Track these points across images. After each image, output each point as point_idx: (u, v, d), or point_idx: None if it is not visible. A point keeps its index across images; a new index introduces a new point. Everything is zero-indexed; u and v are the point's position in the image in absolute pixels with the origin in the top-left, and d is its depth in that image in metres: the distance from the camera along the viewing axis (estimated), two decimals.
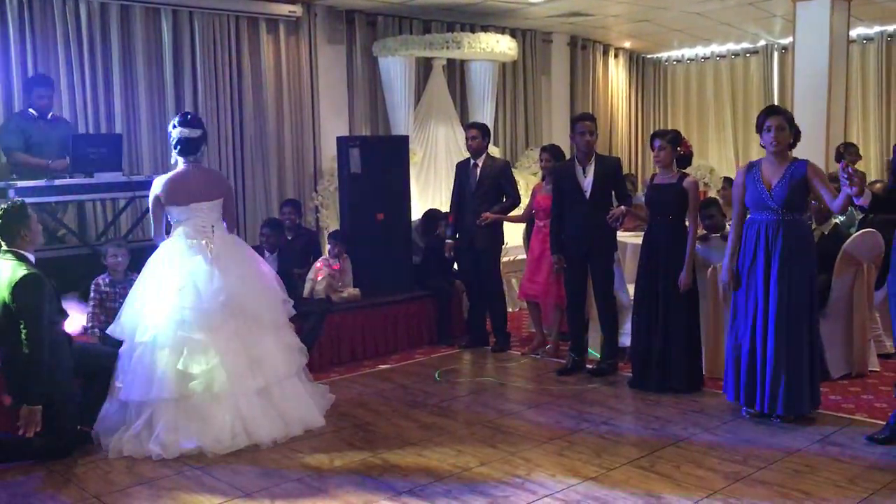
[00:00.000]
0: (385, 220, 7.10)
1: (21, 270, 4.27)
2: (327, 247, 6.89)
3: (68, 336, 4.62)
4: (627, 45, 11.93)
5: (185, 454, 4.43)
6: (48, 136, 6.16)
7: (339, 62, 8.86)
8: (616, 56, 12.00)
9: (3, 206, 4.47)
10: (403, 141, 7.64)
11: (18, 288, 4.23)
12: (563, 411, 5.19)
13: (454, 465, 4.30)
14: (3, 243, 4.39)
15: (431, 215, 7.66)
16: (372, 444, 4.64)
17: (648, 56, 12.58)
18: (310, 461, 4.39)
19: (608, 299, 5.95)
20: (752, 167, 4.81)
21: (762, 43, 11.43)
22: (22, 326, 4.24)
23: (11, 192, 5.49)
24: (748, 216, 4.85)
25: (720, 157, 11.98)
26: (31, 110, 6.16)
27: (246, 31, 8.07)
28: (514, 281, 7.31)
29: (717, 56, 12.12)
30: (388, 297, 6.95)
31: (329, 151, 8.31)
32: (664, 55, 12.59)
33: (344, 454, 4.51)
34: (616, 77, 12.01)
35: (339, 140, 7.29)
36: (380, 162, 7.10)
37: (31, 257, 4.43)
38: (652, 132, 6.20)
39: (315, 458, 4.43)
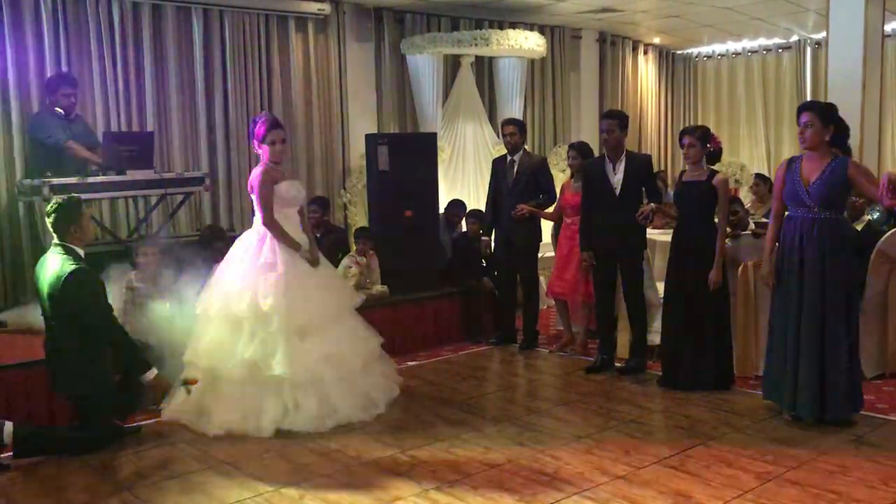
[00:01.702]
0: (413, 217, 7.11)
1: (69, 265, 4.35)
2: (354, 244, 6.92)
3: None
4: (657, 40, 11.83)
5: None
6: (75, 135, 6.23)
7: (367, 60, 8.88)
8: (645, 52, 11.91)
9: (59, 200, 4.57)
10: (431, 138, 7.65)
11: (69, 284, 4.31)
12: (591, 409, 5.17)
13: (482, 462, 4.30)
14: (55, 236, 4.47)
15: (454, 206, 7.64)
16: (400, 441, 4.66)
17: (678, 52, 12.46)
18: (339, 456, 4.41)
19: (637, 297, 5.91)
20: (793, 162, 4.74)
21: (795, 38, 11.28)
22: (84, 319, 4.38)
23: (46, 190, 5.58)
24: (787, 212, 4.78)
25: (751, 154, 11.84)
26: (57, 109, 6.21)
27: (275, 29, 8.12)
28: (542, 279, 7.29)
29: (749, 51, 11.97)
30: (416, 293, 6.96)
31: (357, 149, 8.34)
32: (694, 51, 12.47)
33: (373, 450, 4.53)
34: (645, 73, 11.92)
35: (368, 137, 7.32)
36: (408, 159, 7.11)
37: (81, 252, 4.51)
38: (681, 129, 6.15)
39: (344, 454, 4.45)
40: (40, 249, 5.72)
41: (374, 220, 7.23)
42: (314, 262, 5.13)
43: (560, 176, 9.11)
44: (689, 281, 5.38)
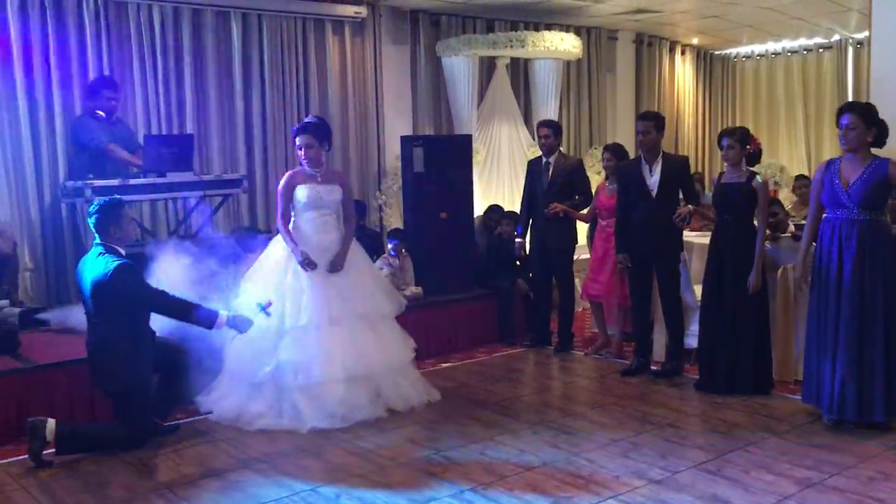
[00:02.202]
0: (448, 218, 7.12)
1: (113, 262, 4.44)
2: (387, 245, 6.95)
3: (151, 329, 4.75)
4: (695, 41, 11.71)
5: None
6: (116, 138, 6.34)
7: (403, 62, 8.91)
8: (683, 53, 11.80)
9: (100, 201, 4.67)
10: (467, 140, 7.65)
11: (117, 276, 4.39)
12: (627, 413, 5.13)
13: (517, 464, 4.29)
14: (97, 237, 4.58)
15: (493, 211, 7.65)
16: (435, 442, 4.67)
17: (717, 52, 12.32)
18: (373, 457, 4.43)
19: (673, 300, 5.86)
20: (831, 164, 4.68)
21: (836, 38, 11.10)
22: (136, 307, 4.49)
23: (88, 192, 5.69)
24: (824, 215, 4.71)
25: (791, 155, 11.67)
26: (98, 112, 6.31)
27: (312, 32, 8.18)
28: (577, 281, 7.26)
29: (789, 52, 11.81)
30: (451, 295, 6.97)
31: (393, 151, 8.37)
32: (733, 51, 12.33)
33: (407, 451, 4.54)
34: (683, 74, 11.81)
35: (403, 139, 7.35)
36: (443, 161, 7.13)
37: (122, 252, 4.59)
38: (720, 130, 6.08)
39: (379, 455, 4.47)
40: (82, 250, 5.83)
41: (409, 222, 7.25)
42: (333, 267, 5.15)
43: (595, 178, 9.06)
44: (727, 284, 5.32)
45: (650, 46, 11.15)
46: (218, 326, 4.63)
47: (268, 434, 4.78)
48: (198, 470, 4.31)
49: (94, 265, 4.47)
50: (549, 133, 6.62)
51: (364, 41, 8.58)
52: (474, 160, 7.80)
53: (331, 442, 4.67)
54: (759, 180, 5.30)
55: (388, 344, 5.24)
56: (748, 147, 5.36)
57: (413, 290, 6.72)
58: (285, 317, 4.97)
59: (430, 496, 3.90)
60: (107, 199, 4.72)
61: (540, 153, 6.82)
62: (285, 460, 4.41)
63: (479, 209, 7.85)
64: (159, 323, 4.74)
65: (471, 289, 7.19)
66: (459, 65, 8.71)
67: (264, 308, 4.84)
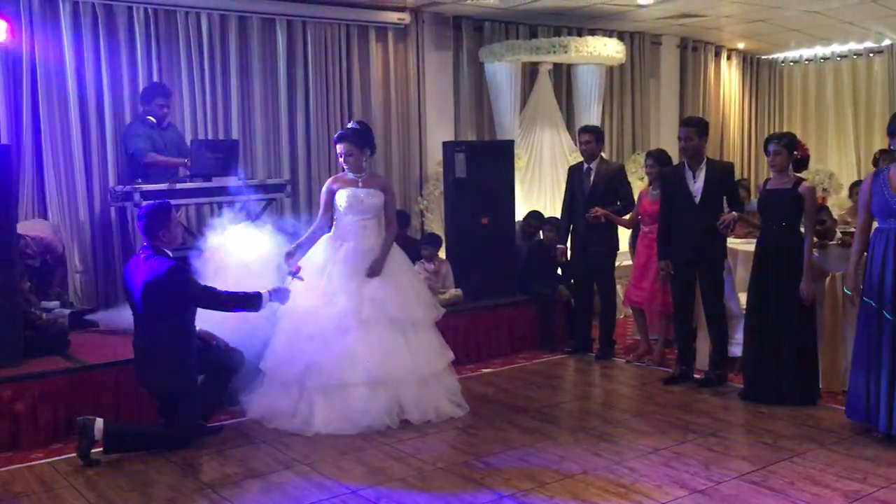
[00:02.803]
0: (489, 224, 7.12)
1: (165, 263, 4.54)
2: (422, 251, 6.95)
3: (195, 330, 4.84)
4: (741, 46, 11.55)
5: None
6: (166, 143, 6.47)
7: (445, 68, 8.94)
8: (728, 57, 11.64)
9: (149, 205, 4.79)
10: (509, 146, 7.65)
11: (169, 276, 4.49)
12: (669, 421, 5.07)
13: (557, 471, 4.27)
14: (146, 239, 4.68)
15: (532, 217, 7.63)
16: (474, 448, 4.66)
17: (763, 57, 12.14)
18: (413, 461, 4.45)
19: (717, 308, 5.78)
20: (880, 174, 4.58)
21: (887, 42, 10.86)
22: (186, 305, 4.61)
23: (136, 196, 5.81)
24: (875, 225, 4.62)
25: (841, 161, 11.44)
26: (150, 118, 6.45)
27: (356, 39, 8.25)
28: (618, 287, 7.20)
29: (838, 56, 11.58)
30: (491, 300, 6.97)
31: (435, 156, 8.39)
32: (780, 56, 12.13)
33: (447, 456, 4.55)
34: (728, 79, 11.66)
35: (445, 145, 7.37)
36: (485, 166, 7.13)
37: (169, 254, 4.69)
38: (766, 136, 5.99)
39: (418, 459, 4.48)
40: (130, 253, 5.96)
41: (450, 227, 7.27)
42: (372, 272, 5.19)
43: (638, 184, 8.99)
44: (772, 292, 5.24)
45: (695, 51, 11.03)
46: (264, 305, 4.74)
47: (308, 437, 4.82)
48: (240, 470, 4.37)
49: (145, 267, 4.57)
50: (591, 139, 6.59)
51: (407, 47, 8.62)
52: (516, 165, 7.79)
53: (371, 445, 4.69)
54: (806, 186, 5.21)
55: (417, 351, 5.19)
56: (795, 153, 5.28)
57: (452, 292, 6.73)
58: (318, 318, 5.00)
59: (470, 501, 3.90)
60: (155, 203, 4.83)
61: (581, 159, 6.79)
62: (326, 462, 4.44)
63: (520, 214, 7.84)
64: (215, 325, 4.84)
65: (511, 294, 7.18)
66: (502, 70, 8.71)
67: (294, 274, 4.94)
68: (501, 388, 5.93)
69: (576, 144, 8.11)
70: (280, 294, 4.84)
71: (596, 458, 4.45)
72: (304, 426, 4.89)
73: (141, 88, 6.85)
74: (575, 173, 6.77)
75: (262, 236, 5.36)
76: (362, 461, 4.47)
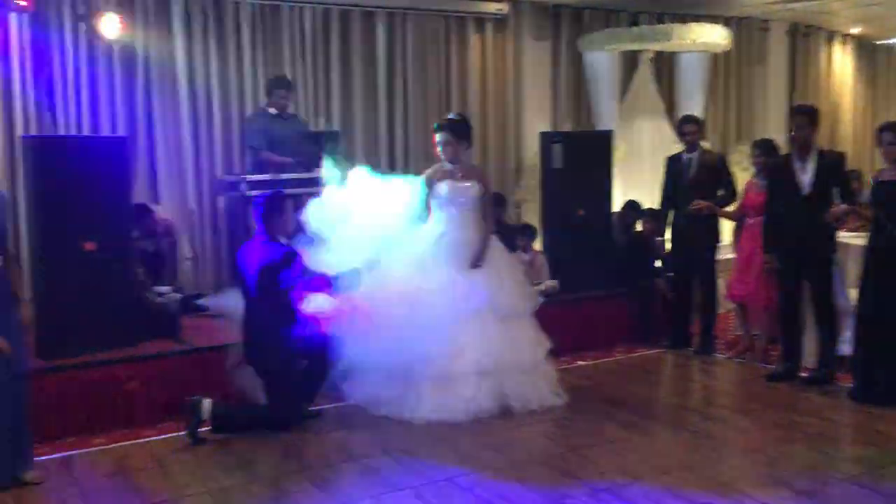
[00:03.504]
0: (586, 215, 7.05)
1: (280, 248, 4.73)
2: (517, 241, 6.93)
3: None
4: (855, 30, 11.03)
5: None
6: (286, 134, 6.63)
7: (543, 58, 8.88)
8: (843, 43, 11.14)
9: (265, 194, 4.99)
10: (607, 136, 7.54)
11: (285, 262, 4.69)
12: (773, 420, 4.92)
13: (654, 466, 4.20)
14: (260, 227, 4.88)
15: (629, 207, 7.49)
16: (569, 440, 4.64)
17: (879, 42, 11.56)
18: (508, 451, 4.46)
19: (825, 304, 5.56)
20: None
21: None
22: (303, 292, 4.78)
23: (243, 185, 6.02)
24: None
25: None
26: (270, 109, 6.64)
27: (454, 30, 8.30)
28: (720, 281, 7.00)
29: None
30: (587, 293, 6.89)
31: (532, 147, 8.35)
32: None
33: (542, 447, 4.55)
34: (841, 66, 11.15)
35: (542, 135, 7.32)
36: (582, 157, 7.05)
37: (283, 241, 4.88)
38: (880, 124, 5.70)
39: (513, 449, 4.50)
40: (237, 241, 6.17)
41: (546, 218, 7.23)
42: (473, 263, 5.22)
43: (743, 175, 8.71)
44: (886, 289, 5.00)
45: (806, 37, 10.59)
46: (359, 284, 4.87)
47: (405, 424, 4.90)
48: (340, 454, 4.48)
49: (260, 252, 4.77)
50: (696, 129, 6.46)
51: (505, 38, 8.61)
52: (615, 156, 7.67)
53: (467, 433, 4.73)
54: None
55: (518, 342, 5.24)
56: None
57: (548, 283, 6.69)
58: (423, 308, 5.07)
59: (564, 493, 3.89)
60: (271, 192, 5.03)
61: (680, 149, 6.63)
62: (422, 450, 4.50)
63: (618, 206, 7.72)
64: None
65: (608, 286, 7.09)
66: (601, 59, 8.59)
67: (372, 265, 5.00)
68: (597, 382, 5.87)
69: (677, 135, 7.93)
70: (357, 276, 4.91)
71: (694, 454, 4.36)
72: (412, 413, 4.97)
73: (248, 80, 7.07)
74: (674, 164, 6.62)
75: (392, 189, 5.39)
76: (458, 449, 4.51)
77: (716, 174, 6.42)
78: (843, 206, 5.29)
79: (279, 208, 4.86)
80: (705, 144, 8.54)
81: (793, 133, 5.51)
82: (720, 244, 6.66)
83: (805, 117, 5.51)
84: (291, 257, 4.72)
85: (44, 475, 4.15)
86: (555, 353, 5.77)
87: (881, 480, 3.95)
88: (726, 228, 6.92)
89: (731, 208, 6.47)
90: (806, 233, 5.43)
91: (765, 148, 6.21)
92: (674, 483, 3.98)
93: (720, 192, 6.41)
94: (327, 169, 5.38)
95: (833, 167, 5.50)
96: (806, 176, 5.45)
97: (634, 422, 4.93)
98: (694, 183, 6.40)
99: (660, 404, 5.36)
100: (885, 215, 5.04)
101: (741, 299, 6.37)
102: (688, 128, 6.50)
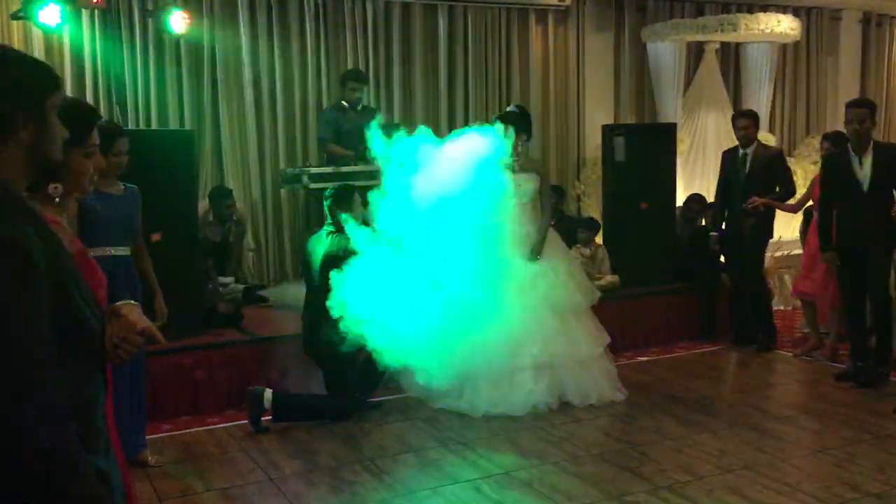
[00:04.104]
0: (649, 209, 6.95)
1: (346, 239, 4.77)
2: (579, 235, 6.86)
3: None
4: None
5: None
6: (356, 126, 6.67)
7: (606, 49, 8.77)
8: None
9: (335, 186, 5.06)
10: (670, 129, 7.42)
11: (348, 253, 4.72)
12: (841, 420, 4.79)
13: (716, 465, 4.13)
14: (330, 218, 4.95)
15: (693, 201, 7.35)
16: (630, 436, 4.59)
17: None
18: (567, 446, 4.43)
19: (882, 300, 5.35)
20: None
21: None
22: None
23: (305, 178, 6.08)
24: None
25: None
26: (343, 102, 6.68)
27: (515, 22, 8.25)
28: (787, 277, 6.83)
29: None
30: (650, 287, 6.80)
31: (594, 139, 8.26)
32: None
33: (602, 443, 4.51)
34: None
35: (604, 128, 7.24)
36: (645, 150, 6.96)
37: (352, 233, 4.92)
38: None
39: (572, 444, 4.47)
40: (299, 232, 6.26)
41: (608, 212, 7.15)
42: (531, 256, 5.21)
43: (812, 168, 8.49)
44: None
45: (879, 26, 10.23)
46: None
47: (463, 417, 4.91)
48: (398, 445, 4.51)
49: (327, 242, 4.84)
50: (749, 124, 6.32)
51: (567, 29, 8.52)
52: (678, 149, 7.54)
53: (526, 427, 4.72)
54: None
55: (576, 335, 5.20)
56: None
57: (609, 278, 6.62)
58: (479, 302, 5.05)
59: (624, 490, 3.85)
60: (340, 184, 5.12)
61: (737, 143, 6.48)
62: (480, 443, 4.51)
63: (681, 200, 7.59)
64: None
65: (671, 281, 6.98)
66: (666, 51, 8.44)
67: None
68: (659, 377, 5.79)
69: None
70: None
71: (758, 453, 4.27)
72: (471, 407, 4.97)
73: (310, 72, 7.16)
74: (730, 159, 6.47)
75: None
76: (516, 443, 4.50)
77: (772, 170, 6.25)
78: None
79: (348, 200, 4.90)
80: (769, 138, 8.36)
81: (857, 126, 5.24)
82: (777, 239, 6.46)
83: (868, 110, 5.30)
84: (355, 249, 4.75)
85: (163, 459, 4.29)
86: (615, 349, 5.72)
87: None
88: (790, 223, 6.74)
89: (792, 201, 6.29)
90: (867, 229, 5.24)
91: (836, 141, 6.02)
92: (737, 482, 3.90)
93: (777, 189, 6.25)
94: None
95: (892, 161, 5.27)
96: (864, 171, 5.25)
97: (696, 419, 4.85)
98: (750, 179, 6.24)
99: (722, 401, 5.26)
100: None
101: (808, 296, 6.21)
102: (741, 122, 6.34)
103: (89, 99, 6.49)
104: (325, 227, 4.96)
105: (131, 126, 6.59)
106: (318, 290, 4.85)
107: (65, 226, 2.19)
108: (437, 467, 4.19)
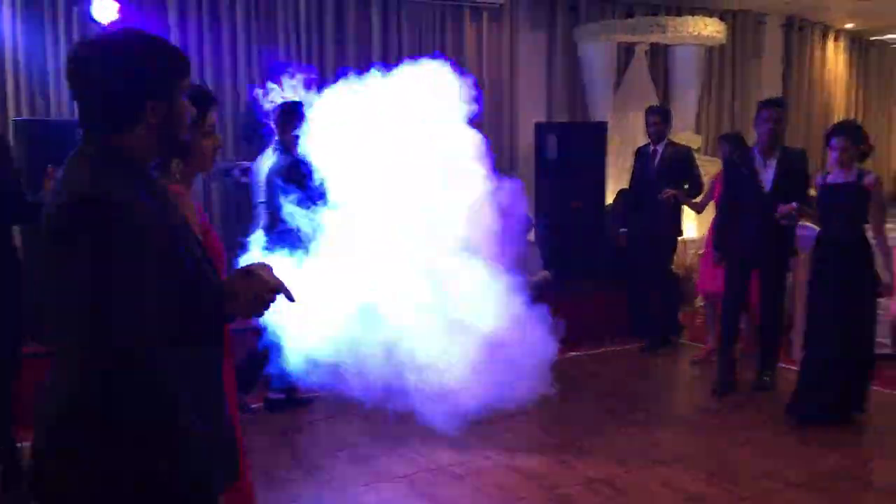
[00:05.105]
0: (580, 206, 7.04)
1: (289, 159, 4.67)
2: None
3: None
4: (849, 25, 11.04)
5: None
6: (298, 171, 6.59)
7: (539, 48, 8.84)
8: (836, 38, 11.15)
9: (282, 104, 5.00)
10: (602, 127, 7.53)
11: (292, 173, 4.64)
12: (768, 412, 4.93)
13: (648, 457, 4.21)
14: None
15: (622, 198, 7.46)
16: (564, 430, 4.65)
17: (873, 38, 11.58)
18: (501, 441, 4.47)
19: (775, 309, 5.37)
20: None
21: None
22: None
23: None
24: None
25: None
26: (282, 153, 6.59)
27: (449, 20, 8.25)
28: (694, 275, 6.97)
29: None
30: (580, 284, 6.87)
31: (526, 138, 8.34)
32: (892, 36, 11.54)
33: (536, 437, 4.54)
34: (835, 61, 11.16)
35: (537, 126, 7.31)
36: (577, 148, 7.05)
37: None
38: (832, 126, 5.08)
39: (506, 438, 4.50)
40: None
41: (540, 210, 7.22)
42: None
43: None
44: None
45: (801, 31, 10.59)
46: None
47: (395, 413, 4.79)
48: (332, 442, 4.48)
49: (273, 158, 4.76)
50: (659, 119, 6.41)
51: (501, 28, 8.57)
52: (608, 148, 7.67)
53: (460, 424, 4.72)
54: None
55: (509, 332, 5.18)
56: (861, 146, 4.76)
57: (541, 273, 6.68)
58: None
59: (560, 482, 3.89)
60: (289, 101, 5.03)
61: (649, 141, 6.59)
62: (413, 439, 4.41)
63: (611, 198, 7.72)
64: None
65: (601, 277, 7.06)
66: (597, 51, 8.56)
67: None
68: (591, 372, 5.88)
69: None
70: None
71: (687, 446, 4.36)
72: (402, 403, 4.89)
73: (244, 63, 7.09)
74: (641, 155, 6.58)
75: None
76: (451, 439, 4.46)
77: (681, 168, 6.35)
78: (793, 204, 4.76)
79: (295, 119, 4.55)
80: (696, 139, 8.57)
81: (773, 126, 5.17)
82: (684, 238, 6.59)
83: (783, 109, 5.31)
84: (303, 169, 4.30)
85: None
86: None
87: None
88: (694, 221, 6.85)
89: (698, 200, 6.41)
90: (766, 234, 5.13)
91: (735, 142, 6.08)
92: (668, 474, 3.99)
93: (686, 186, 6.34)
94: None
95: (796, 164, 5.23)
96: (768, 173, 5.18)
97: (627, 414, 4.94)
98: (659, 174, 6.32)
99: (652, 396, 5.37)
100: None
101: (711, 295, 6.25)
102: (652, 118, 6.45)
103: (10, 89, 6.26)
104: (270, 146, 4.85)
105: (54, 117, 6.36)
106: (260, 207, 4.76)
107: (188, 199, 2.32)
108: (371, 464, 4.17)
